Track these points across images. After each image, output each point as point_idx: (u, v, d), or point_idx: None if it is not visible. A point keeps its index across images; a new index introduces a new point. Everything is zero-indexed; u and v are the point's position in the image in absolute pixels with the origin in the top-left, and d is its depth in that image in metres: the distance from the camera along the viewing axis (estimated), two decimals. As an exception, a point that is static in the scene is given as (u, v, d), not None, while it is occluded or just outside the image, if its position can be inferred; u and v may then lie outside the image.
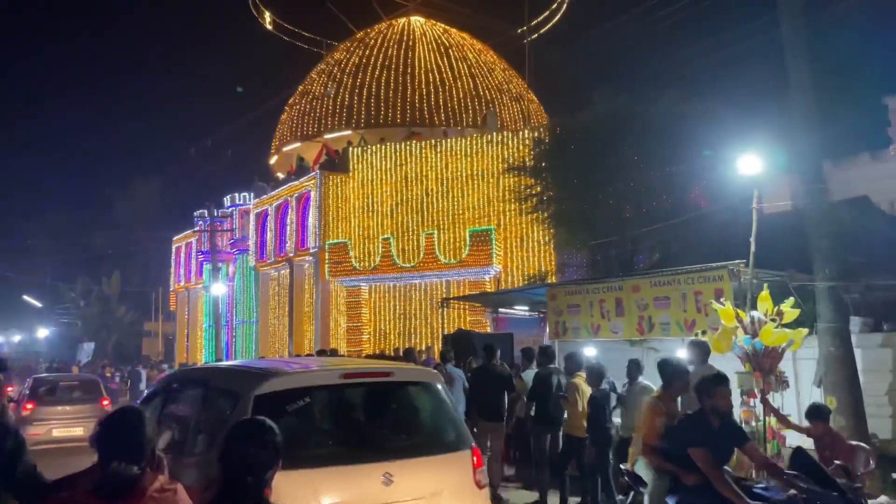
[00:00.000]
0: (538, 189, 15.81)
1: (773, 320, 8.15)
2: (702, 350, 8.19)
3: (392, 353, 18.97)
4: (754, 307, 8.64)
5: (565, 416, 8.82)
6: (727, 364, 9.31)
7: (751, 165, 9.19)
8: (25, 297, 49.36)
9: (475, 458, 4.70)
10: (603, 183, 13.70)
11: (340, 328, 23.54)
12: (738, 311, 8.47)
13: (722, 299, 8.75)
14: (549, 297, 11.48)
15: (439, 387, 4.97)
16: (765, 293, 8.29)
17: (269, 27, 36.22)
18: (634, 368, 9.35)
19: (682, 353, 10.26)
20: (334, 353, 13.77)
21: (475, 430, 9.06)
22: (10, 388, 14.94)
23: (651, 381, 10.40)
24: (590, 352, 10.81)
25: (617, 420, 9.90)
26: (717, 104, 12.79)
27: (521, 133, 22.59)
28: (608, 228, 13.96)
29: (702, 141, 12.50)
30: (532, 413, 8.97)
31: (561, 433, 8.78)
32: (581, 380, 8.75)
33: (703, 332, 8.94)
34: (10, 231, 54.50)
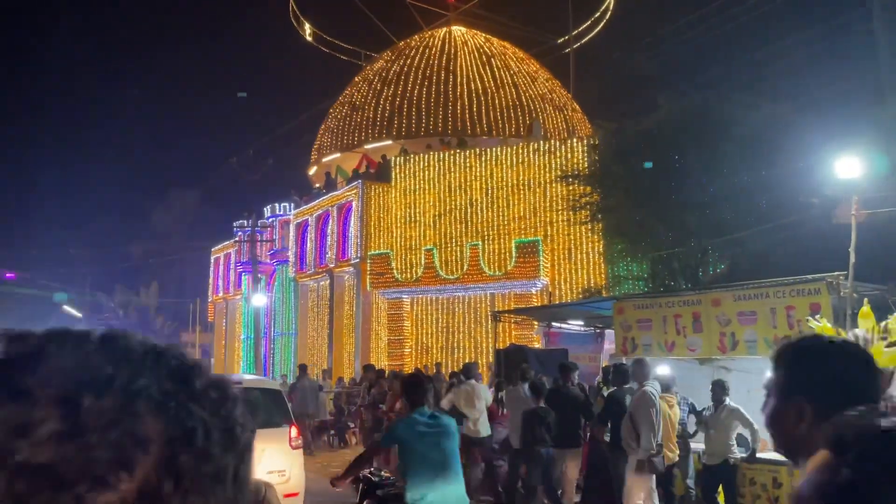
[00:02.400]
0: (595, 198, 15.07)
1: (883, 338, 7.31)
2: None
3: (434, 370, 18.31)
4: (854, 324, 7.82)
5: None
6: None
7: (850, 168, 8.39)
8: (65, 307, 49.91)
9: (293, 431, 8.29)
10: (666, 191, 12.92)
11: (381, 342, 22.96)
12: (839, 328, 7.66)
13: (818, 315, 7.94)
14: (617, 310, 10.72)
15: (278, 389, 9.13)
16: (866, 309, 7.45)
17: (308, 39, 36.21)
18: (720, 390, 8.60)
19: (768, 375, 9.47)
20: (380, 374, 13.15)
21: (541, 455, 8.33)
22: None
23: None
24: (662, 370, 10.01)
25: (698, 445, 9.14)
26: (797, 106, 11.95)
27: (569, 141, 21.88)
28: (672, 239, 13.15)
29: (780, 145, 11.67)
30: (607, 437, 8.22)
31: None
32: (664, 402, 8.00)
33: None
34: (52, 241, 55.34)
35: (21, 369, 0.53)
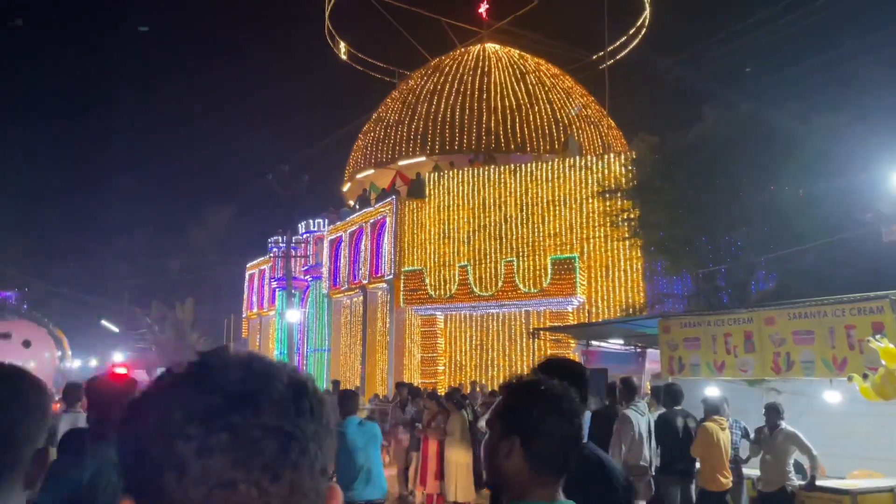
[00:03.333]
0: (635, 213, 14.71)
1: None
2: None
3: (469, 388, 17.99)
4: (920, 344, 7.37)
5: (697, 466, 7.70)
6: (888, 411, 8.03)
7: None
8: (103, 322, 50.72)
9: None
10: (712, 205, 12.52)
11: (414, 359, 22.73)
12: (905, 349, 7.21)
13: (879, 336, 7.50)
14: (662, 329, 10.34)
15: None
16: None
17: (343, 57, 36.56)
18: (774, 414, 8.18)
19: (829, 397, 9.00)
20: (417, 392, 12.92)
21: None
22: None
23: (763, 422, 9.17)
24: (711, 391, 9.60)
25: (752, 472, 8.70)
26: (849, 118, 11.49)
27: (606, 156, 21.56)
28: (717, 255, 12.73)
29: (832, 158, 11.25)
30: (657, 461, 7.85)
31: (693, 486, 7.65)
32: (716, 425, 7.63)
33: (865, 376, 7.69)
34: (90, 256, 56.47)
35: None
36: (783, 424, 8.10)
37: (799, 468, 8.15)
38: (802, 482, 7.88)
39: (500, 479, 1.58)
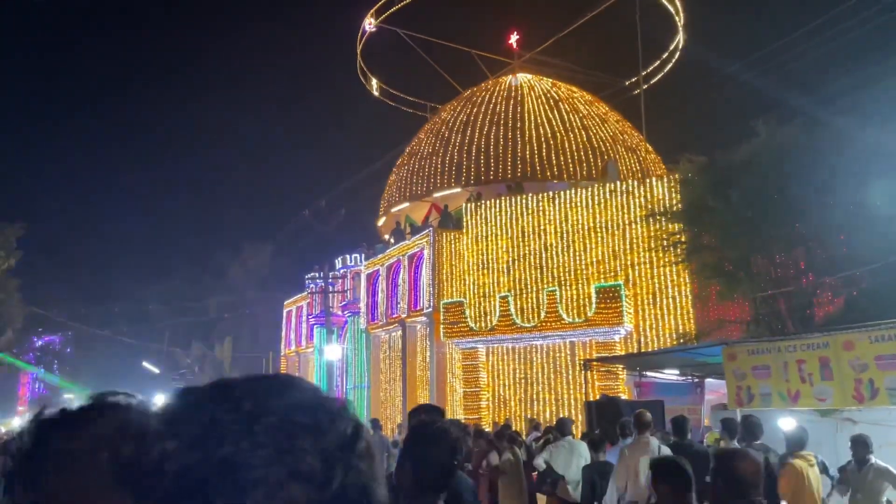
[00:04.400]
0: (684, 237, 14.11)
1: None
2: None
3: (522, 423, 17.29)
4: None
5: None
6: None
7: None
8: (144, 364, 51.18)
9: None
10: (769, 225, 11.89)
11: (456, 394, 22.14)
12: None
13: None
14: (727, 356, 9.70)
15: None
16: None
17: (376, 94, 36.84)
18: (862, 447, 7.46)
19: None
20: (466, 430, 12.32)
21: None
22: None
23: (847, 456, 8.43)
24: (786, 423, 8.90)
25: (839, 512, 7.96)
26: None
27: (648, 180, 21.02)
28: (776, 278, 12.05)
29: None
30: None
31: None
32: (804, 461, 6.95)
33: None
34: (131, 298, 57.29)
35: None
36: (873, 459, 7.39)
37: (893, 507, 7.40)
38: (899, 523, 7.14)
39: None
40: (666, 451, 8.30)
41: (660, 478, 4.12)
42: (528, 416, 19.05)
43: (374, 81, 36.32)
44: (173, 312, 50.51)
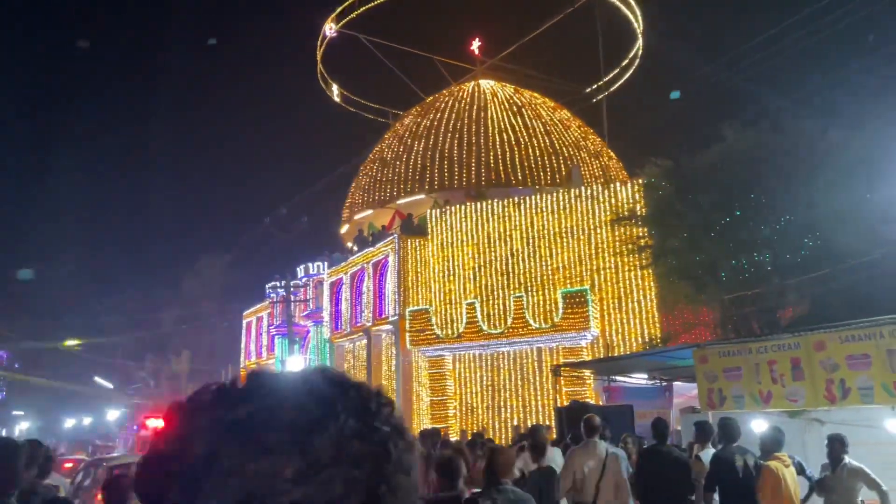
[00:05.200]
0: (650, 241, 14.13)
1: None
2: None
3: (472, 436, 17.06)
4: None
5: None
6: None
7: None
8: (96, 379, 49.48)
9: None
10: (736, 227, 11.96)
11: (423, 402, 21.83)
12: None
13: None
14: (699, 359, 9.65)
15: None
16: None
17: (336, 100, 36.43)
18: (838, 447, 7.43)
19: (891, 426, 8.30)
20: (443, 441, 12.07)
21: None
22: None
23: (816, 457, 8.45)
24: (759, 425, 8.88)
25: (816, 513, 7.93)
26: (878, 128, 11.03)
27: (612, 185, 21.13)
28: (743, 280, 12.11)
29: (864, 172, 10.74)
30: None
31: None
32: (780, 463, 6.88)
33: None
34: (82, 312, 55.40)
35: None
36: (846, 459, 7.37)
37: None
38: (875, 522, 7.12)
39: None
40: (618, 452, 8.28)
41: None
42: (515, 423, 18.91)
43: (334, 87, 35.96)
44: (127, 325, 49.03)
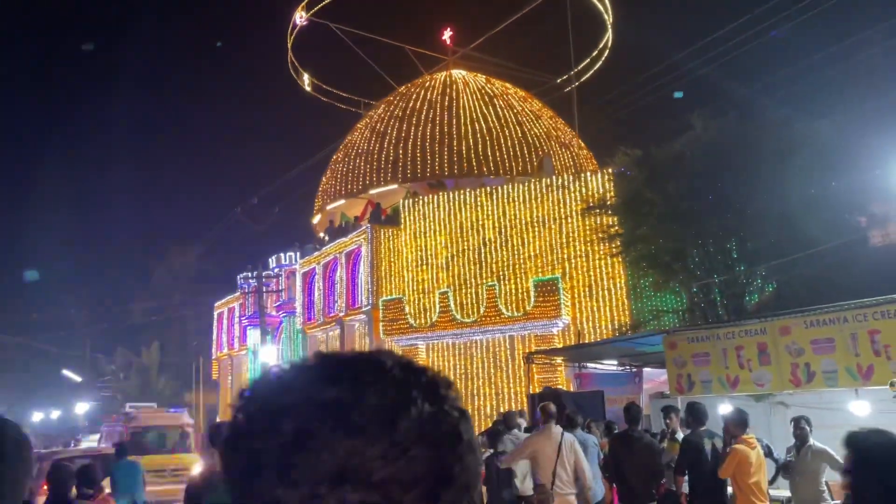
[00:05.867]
0: (620, 230, 14.29)
1: None
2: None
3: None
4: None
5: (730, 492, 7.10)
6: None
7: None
8: (65, 372, 48.58)
9: None
10: (704, 215, 12.15)
11: (397, 392, 21.86)
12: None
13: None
14: (668, 345, 9.82)
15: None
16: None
17: (307, 89, 36.03)
18: (803, 427, 7.63)
19: (855, 408, 8.53)
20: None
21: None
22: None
23: (782, 440, 8.67)
24: (725, 409, 9.06)
25: (780, 493, 8.15)
26: (840, 119, 11.30)
27: (583, 175, 21.31)
28: (710, 267, 12.32)
29: (826, 162, 10.98)
30: (685, 489, 7.25)
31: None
32: (746, 445, 7.04)
33: (893, 384, 7.24)
34: (49, 305, 54.29)
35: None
36: (811, 440, 7.58)
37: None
38: (837, 502, 7.34)
39: None
40: (587, 438, 8.50)
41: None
42: (501, 411, 19.06)
43: (305, 77, 35.55)
44: (95, 317, 48.19)
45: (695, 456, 7.05)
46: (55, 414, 50.09)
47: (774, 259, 11.34)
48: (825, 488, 7.42)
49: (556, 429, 7.29)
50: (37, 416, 48.30)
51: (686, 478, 7.15)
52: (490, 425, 13.72)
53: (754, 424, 8.98)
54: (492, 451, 9.44)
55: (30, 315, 46.25)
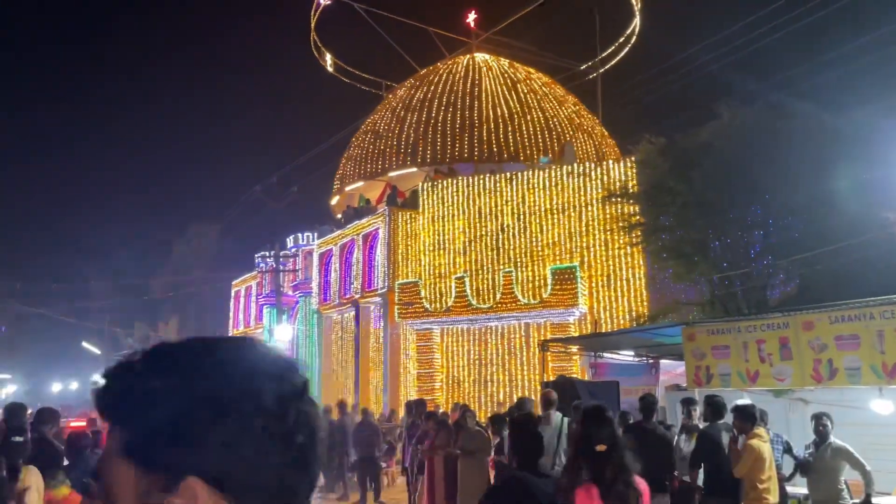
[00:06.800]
0: (642, 219, 14.06)
1: None
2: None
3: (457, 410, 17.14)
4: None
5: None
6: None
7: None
8: (85, 344, 49.31)
9: None
10: (728, 206, 11.90)
11: (410, 375, 21.88)
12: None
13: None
14: (687, 336, 9.63)
15: None
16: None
17: (330, 70, 35.89)
18: (825, 426, 7.46)
19: (877, 406, 8.33)
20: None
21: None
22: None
23: (800, 437, 8.50)
24: (743, 402, 8.89)
25: (797, 490, 8.01)
26: (873, 111, 10.98)
27: (605, 163, 21.02)
28: (732, 259, 12.09)
29: (855, 155, 10.68)
30: (700, 482, 7.11)
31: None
32: (759, 439, 6.89)
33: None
34: (71, 277, 55.02)
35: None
36: (831, 438, 7.41)
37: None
38: (857, 501, 7.18)
39: None
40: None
41: None
42: (514, 398, 19.00)
43: (328, 57, 35.38)
44: (116, 291, 48.80)
45: (711, 449, 6.92)
46: (74, 385, 50.92)
47: (798, 253, 11.08)
48: (844, 487, 7.26)
49: (556, 415, 7.23)
50: (56, 387, 49.12)
51: (704, 470, 7.02)
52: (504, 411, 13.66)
53: (773, 420, 8.84)
54: (499, 438, 9.33)
55: (51, 286, 46.84)
